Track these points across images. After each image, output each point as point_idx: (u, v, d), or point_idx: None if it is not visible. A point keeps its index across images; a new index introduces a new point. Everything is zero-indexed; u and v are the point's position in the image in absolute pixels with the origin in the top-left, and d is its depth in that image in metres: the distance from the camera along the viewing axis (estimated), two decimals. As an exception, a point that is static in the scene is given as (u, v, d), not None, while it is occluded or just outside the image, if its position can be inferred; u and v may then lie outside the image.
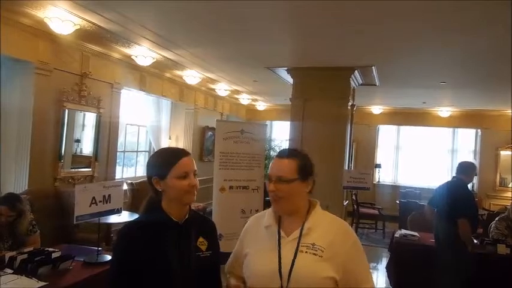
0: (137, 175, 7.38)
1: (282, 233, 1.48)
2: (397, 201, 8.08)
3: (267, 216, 1.56)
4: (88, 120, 5.33)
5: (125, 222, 4.96)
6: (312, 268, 1.39)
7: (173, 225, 1.48)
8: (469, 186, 8.69)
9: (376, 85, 6.56)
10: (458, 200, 3.87)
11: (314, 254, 1.41)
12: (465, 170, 4.04)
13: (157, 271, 1.40)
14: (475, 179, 9.27)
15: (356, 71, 5.59)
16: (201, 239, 1.52)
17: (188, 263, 1.44)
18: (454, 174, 4.17)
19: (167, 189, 1.48)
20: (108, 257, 2.94)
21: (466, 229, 3.77)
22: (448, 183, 4.15)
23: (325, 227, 1.49)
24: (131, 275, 1.40)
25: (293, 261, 1.40)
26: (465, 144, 9.92)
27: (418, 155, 10.08)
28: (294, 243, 1.44)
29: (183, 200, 1.49)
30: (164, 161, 1.50)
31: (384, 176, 10.30)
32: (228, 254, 1.69)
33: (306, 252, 1.42)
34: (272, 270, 1.41)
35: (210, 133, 8.57)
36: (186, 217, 1.52)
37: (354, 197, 7.73)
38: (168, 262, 1.41)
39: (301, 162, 1.51)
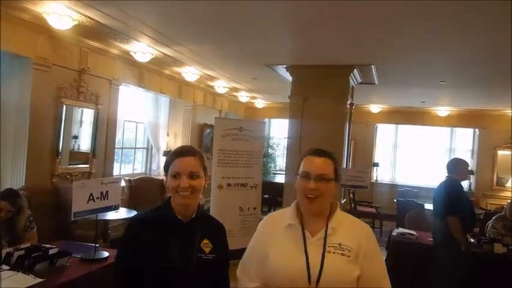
0: (135, 172, 7.37)
1: (307, 233, 1.46)
2: (395, 200, 8.08)
3: (289, 215, 1.53)
4: (86, 116, 5.32)
5: (122, 219, 4.97)
6: (342, 269, 1.39)
7: (177, 223, 1.48)
8: (466, 184, 8.69)
9: (375, 84, 6.56)
10: (449, 198, 3.87)
11: (342, 254, 1.40)
12: (454, 167, 4.00)
13: (157, 267, 1.40)
14: (472, 178, 9.30)
15: (355, 70, 5.59)
16: (205, 241, 1.50)
17: (188, 262, 1.43)
18: (446, 174, 4.16)
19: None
20: (106, 254, 2.94)
21: (455, 227, 3.77)
22: (441, 183, 4.15)
23: (350, 227, 1.49)
24: (133, 270, 1.40)
25: (322, 262, 1.39)
26: (463, 144, 9.94)
27: (416, 154, 10.09)
28: (320, 244, 1.43)
29: (175, 199, 1.48)
30: (168, 158, 1.53)
31: (381, 174, 10.31)
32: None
33: (334, 252, 1.41)
34: (300, 271, 1.38)
35: (208, 130, 8.56)
36: (193, 217, 1.51)
37: (351, 196, 7.74)
38: (168, 259, 1.40)
39: (336, 163, 1.53)
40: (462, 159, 4.14)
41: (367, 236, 1.48)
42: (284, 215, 1.55)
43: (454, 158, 4.25)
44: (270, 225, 1.57)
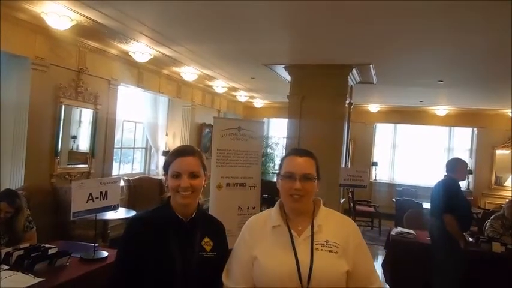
0: (134, 172, 7.37)
1: (293, 233, 1.46)
2: (393, 199, 8.10)
3: (274, 216, 1.52)
4: (85, 116, 5.32)
5: (121, 219, 4.96)
6: (330, 266, 1.39)
7: (178, 223, 1.48)
8: (464, 184, 8.72)
9: (373, 83, 6.57)
10: (447, 197, 3.90)
11: (330, 251, 1.41)
12: (452, 166, 4.04)
13: (158, 267, 1.40)
14: (471, 178, 9.32)
15: (354, 69, 5.59)
16: (206, 239, 1.51)
17: (189, 261, 1.43)
18: (445, 173, 4.18)
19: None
20: (105, 253, 2.94)
21: (452, 224, 3.79)
22: (439, 182, 4.17)
23: (335, 223, 1.51)
24: (133, 269, 1.40)
25: (311, 260, 1.39)
26: (461, 143, 9.97)
27: (415, 154, 10.12)
28: (307, 242, 1.43)
29: (175, 199, 1.49)
30: (168, 158, 1.54)
31: (380, 174, 10.33)
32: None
33: (322, 250, 1.41)
34: (290, 272, 1.37)
35: (207, 130, 8.57)
36: (193, 216, 1.52)
37: (350, 195, 7.75)
38: (169, 259, 1.40)
39: (317, 161, 1.54)
40: (462, 159, 4.17)
41: (353, 230, 1.51)
42: (268, 217, 1.54)
43: (454, 158, 4.27)
44: (255, 228, 1.55)
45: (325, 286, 1.36)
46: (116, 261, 1.51)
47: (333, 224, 1.50)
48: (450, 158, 4.50)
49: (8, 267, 2.49)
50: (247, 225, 1.59)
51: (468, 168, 4.71)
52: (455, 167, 4.02)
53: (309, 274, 1.36)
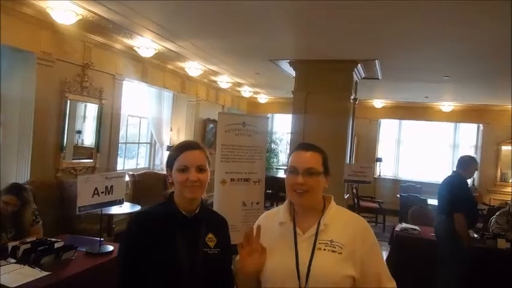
0: (138, 167, 7.40)
1: (298, 230, 1.43)
2: (398, 195, 8.09)
3: (281, 212, 1.50)
4: (90, 111, 5.33)
5: (126, 213, 4.98)
6: (331, 266, 1.34)
7: (182, 219, 1.48)
8: (469, 180, 8.70)
9: (378, 79, 6.54)
10: (453, 194, 3.89)
11: (333, 251, 1.36)
12: (462, 164, 4.05)
13: (162, 263, 1.40)
14: (476, 174, 9.28)
15: (359, 65, 5.56)
16: (210, 235, 1.50)
17: (194, 257, 1.42)
18: (454, 169, 4.18)
19: (174, 182, 1.50)
20: (110, 248, 2.97)
21: (461, 223, 3.79)
22: (445, 178, 4.17)
23: (344, 223, 1.45)
24: (137, 265, 1.40)
25: (311, 259, 1.35)
26: (466, 139, 9.91)
27: (419, 150, 10.08)
28: (311, 241, 1.39)
29: (183, 194, 1.48)
30: (172, 153, 1.53)
31: (384, 170, 10.30)
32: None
33: (324, 249, 1.37)
34: (289, 270, 1.36)
35: (211, 125, 8.57)
36: (197, 211, 1.51)
37: (354, 191, 7.74)
38: (173, 255, 1.40)
39: (324, 156, 1.50)
40: (475, 159, 4.21)
41: (362, 232, 1.43)
42: (277, 213, 1.53)
43: (469, 156, 4.29)
44: (264, 222, 1.53)
45: (323, 286, 1.32)
46: (119, 258, 1.51)
47: (341, 223, 1.44)
48: (455, 153, 4.51)
49: (15, 260, 2.52)
50: (257, 222, 1.58)
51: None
52: (468, 165, 4.04)
53: (308, 273, 1.33)
